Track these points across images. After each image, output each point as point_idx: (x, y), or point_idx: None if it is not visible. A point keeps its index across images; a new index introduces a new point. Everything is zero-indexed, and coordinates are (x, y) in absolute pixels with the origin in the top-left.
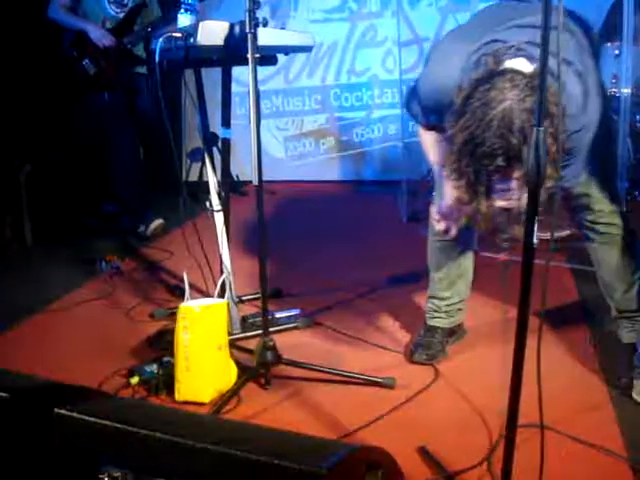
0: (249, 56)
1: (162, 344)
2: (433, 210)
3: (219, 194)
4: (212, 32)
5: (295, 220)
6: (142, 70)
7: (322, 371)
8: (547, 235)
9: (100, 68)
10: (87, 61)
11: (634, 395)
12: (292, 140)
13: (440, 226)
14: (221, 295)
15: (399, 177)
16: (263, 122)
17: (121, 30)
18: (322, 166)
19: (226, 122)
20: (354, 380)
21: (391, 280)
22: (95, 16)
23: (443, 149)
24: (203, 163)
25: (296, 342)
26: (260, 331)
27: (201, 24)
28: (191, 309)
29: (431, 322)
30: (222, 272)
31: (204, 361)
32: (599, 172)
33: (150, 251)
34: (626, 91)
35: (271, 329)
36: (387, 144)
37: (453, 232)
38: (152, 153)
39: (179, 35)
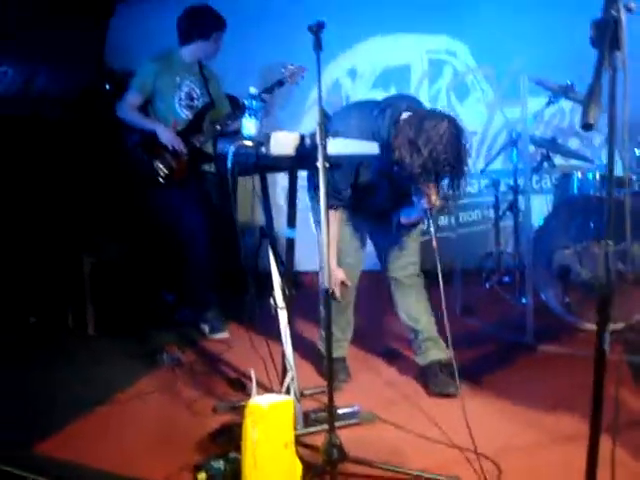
0: (319, 164)
1: (226, 439)
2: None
3: (283, 291)
4: (283, 142)
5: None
6: (210, 168)
7: (388, 469)
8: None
9: (171, 169)
10: (158, 163)
11: None
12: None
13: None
14: (286, 391)
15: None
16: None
17: (190, 130)
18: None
19: (291, 222)
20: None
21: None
22: (165, 118)
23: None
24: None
25: (358, 438)
26: (324, 427)
27: (273, 135)
28: (259, 406)
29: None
30: (284, 368)
31: (271, 459)
32: None
33: (209, 343)
34: None
35: (320, 427)
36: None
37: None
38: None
39: (250, 144)
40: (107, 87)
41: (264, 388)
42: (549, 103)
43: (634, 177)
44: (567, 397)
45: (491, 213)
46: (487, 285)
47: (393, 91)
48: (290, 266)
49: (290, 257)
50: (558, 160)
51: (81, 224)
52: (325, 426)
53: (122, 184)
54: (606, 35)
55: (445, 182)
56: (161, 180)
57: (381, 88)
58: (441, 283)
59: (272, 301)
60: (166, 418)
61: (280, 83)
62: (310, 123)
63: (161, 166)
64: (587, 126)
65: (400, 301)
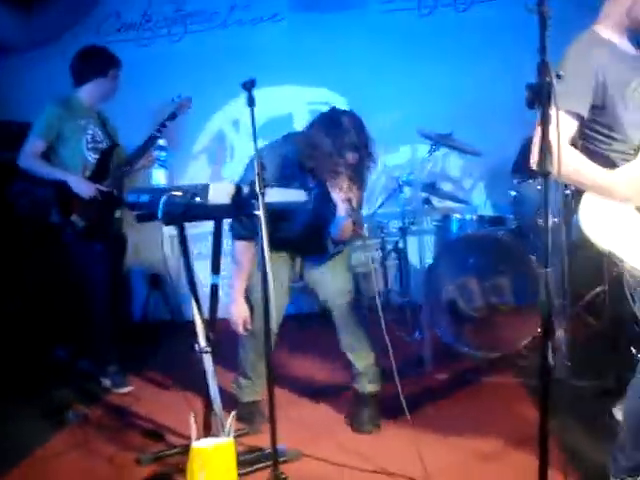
0: (259, 212)
1: None
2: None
3: (207, 336)
4: (220, 192)
5: None
6: (118, 215)
7: None
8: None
9: (88, 220)
10: (74, 216)
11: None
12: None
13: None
14: (206, 434)
15: None
16: (203, 262)
17: (98, 175)
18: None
19: (216, 269)
20: None
21: None
22: (74, 164)
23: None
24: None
25: (291, 474)
26: (261, 465)
27: (212, 186)
28: (204, 449)
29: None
30: (206, 412)
31: None
32: None
33: (114, 397)
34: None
35: (262, 465)
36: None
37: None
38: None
39: (180, 194)
40: None
41: (183, 436)
42: (431, 151)
43: (510, 216)
44: (475, 418)
45: (376, 254)
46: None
47: None
48: (213, 311)
49: (214, 302)
50: (436, 202)
51: None
52: (261, 465)
53: (12, 238)
54: (542, 96)
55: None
56: (78, 234)
57: (265, 138)
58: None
59: (196, 346)
60: (90, 475)
61: (173, 116)
62: (195, 171)
63: (78, 219)
64: (547, 174)
65: (339, 330)
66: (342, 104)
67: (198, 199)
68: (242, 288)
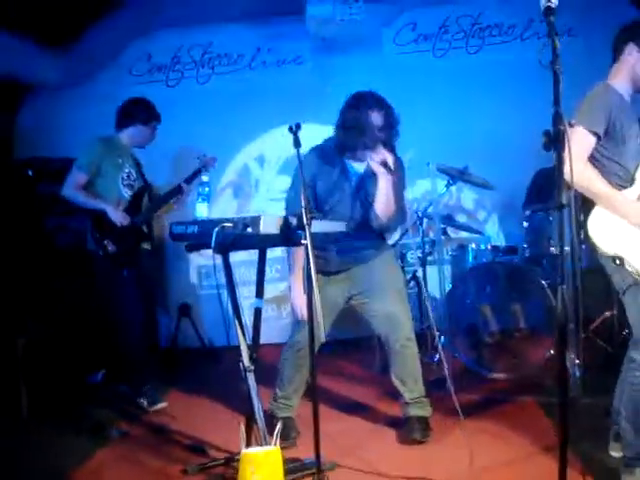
0: (306, 242)
1: None
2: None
3: (251, 355)
4: (270, 223)
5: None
6: (147, 246)
7: None
8: None
9: (119, 246)
10: (107, 241)
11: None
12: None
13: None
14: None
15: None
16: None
17: (132, 209)
18: (284, 329)
19: (259, 294)
20: None
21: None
22: (110, 197)
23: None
24: None
25: None
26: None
27: (263, 217)
28: (257, 454)
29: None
30: (251, 424)
31: None
32: None
33: (152, 416)
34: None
35: (301, 474)
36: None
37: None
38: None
39: (231, 225)
40: (29, 173)
41: (223, 450)
42: (448, 185)
43: (524, 246)
44: (497, 432)
45: None
46: None
47: None
48: (257, 332)
49: (257, 324)
50: (452, 234)
51: (11, 306)
52: (300, 474)
53: (49, 266)
54: (556, 140)
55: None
56: (109, 258)
57: (287, 174)
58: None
59: (241, 365)
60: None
61: (198, 172)
62: (222, 204)
63: (110, 244)
64: (562, 206)
65: (391, 360)
66: None
67: (249, 229)
68: (300, 281)
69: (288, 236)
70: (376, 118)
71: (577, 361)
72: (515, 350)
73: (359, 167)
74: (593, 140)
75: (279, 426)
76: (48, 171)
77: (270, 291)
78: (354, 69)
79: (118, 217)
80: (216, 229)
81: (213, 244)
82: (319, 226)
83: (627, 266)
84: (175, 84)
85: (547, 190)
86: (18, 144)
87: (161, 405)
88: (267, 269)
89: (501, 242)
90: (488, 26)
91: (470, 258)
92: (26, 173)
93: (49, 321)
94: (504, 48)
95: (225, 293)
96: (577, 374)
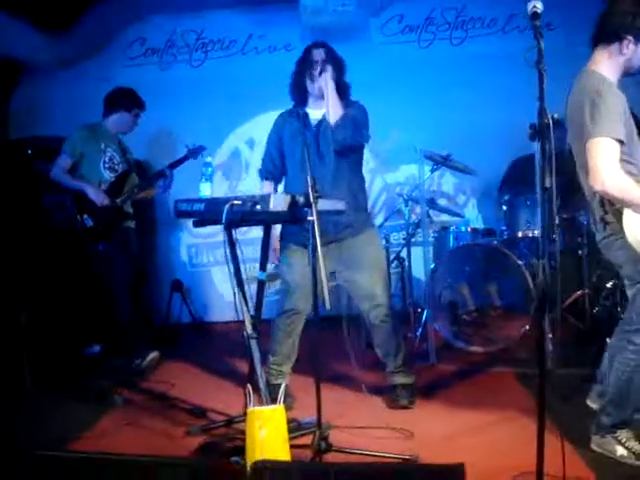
0: (312, 218)
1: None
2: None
3: (254, 324)
4: (279, 201)
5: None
6: (131, 224)
7: (369, 455)
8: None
9: (96, 222)
10: (85, 216)
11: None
12: (246, 283)
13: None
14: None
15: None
16: (219, 268)
17: (113, 191)
18: (273, 305)
19: (263, 267)
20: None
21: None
22: (92, 178)
23: None
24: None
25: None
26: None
27: (272, 196)
28: (264, 410)
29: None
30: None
31: (276, 454)
32: None
33: (151, 384)
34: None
35: (301, 432)
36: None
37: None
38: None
39: (240, 203)
40: (29, 152)
41: (222, 413)
42: (433, 170)
43: (502, 228)
44: (477, 396)
45: None
46: None
47: None
48: (260, 302)
49: (260, 295)
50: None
51: (14, 280)
52: (300, 432)
53: (47, 242)
54: (542, 133)
55: None
56: (89, 232)
57: None
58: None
59: (245, 332)
60: (147, 445)
61: (184, 159)
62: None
63: (89, 219)
64: (546, 189)
65: (373, 331)
66: None
67: (259, 207)
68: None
69: (295, 213)
70: (316, 54)
71: (550, 336)
72: (492, 326)
73: (318, 114)
74: (618, 147)
75: (282, 388)
76: (46, 149)
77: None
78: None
79: (98, 197)
80: (226, 206)
81: (224, 220)
82: (323, 204)
83: None
84: (168, 67)
85: (524, 177)
86: (13, 123)
87: (154, 354)
88: (252, 249)
89: (480, 225)
90: (472, 19)
91: (451, 240)
92: (25, 152)
93: (49, 295)
94: (486, 40)
95: (215, 270)
96: (551, 348)
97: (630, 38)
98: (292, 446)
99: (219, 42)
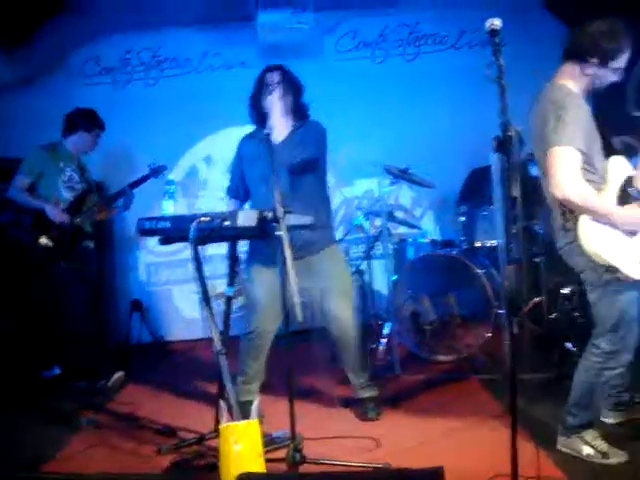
0: (281, 233)
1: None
2: None
3: (223, 340)
4: (247, 217)
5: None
6: (90, 244)
7: (341, 465)
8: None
9: (55, 241)
10: (44, 237)
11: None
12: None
13: None
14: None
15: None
16: (178, 287)
17: (72, 210)
18: (236, 322)
19: (231, 282)
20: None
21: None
22: (51, 198)
23: None
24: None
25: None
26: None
27: (240, 212)
28: (238, 425)
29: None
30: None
31: (253, 467)
32: None
33: (116, 405)
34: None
35: (275, 445)
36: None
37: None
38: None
39: (208, 219)
40: None
41: (191, 431)
42: (392, 184)
43: (462, 238)
44: (443, 405)
45: None
46: None
47: None
48: (228, 318)
49: (228, 311)
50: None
51: None
52: (275, 446)
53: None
54: (506, 145)
55: None
56: (48, 251)
57: None
58: None
59: (214, 347)
60: (118, 465)
61: (146, 178)
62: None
63: (47, 240)
64: (514, 198)
65: (339, 347)
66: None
67: (227, 223)
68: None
69: (264, 228)
70: (268, 78)
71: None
72: (454, 334)
73: (279, 135)
74: (580, 157)
75: (256, 403)
76: (3, 169)
77: (220, 287)
78: (297, 73)
79: (56, 215)
80: (194, 223)
81: (192, 236)
82: (291, 219)
83: (619, 274)
84: (123, 86)
85: (480, 188)
86: None
87: (118, 374)
88: (216, 266)
89: (437, 236)
90: (424, 35)
91: (411, 251)
92: None
93: (5, 315)
94: (438, 56)
95: (175, 289)
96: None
97: (594, 61)
98: (266, 460)
99: (174, 60)
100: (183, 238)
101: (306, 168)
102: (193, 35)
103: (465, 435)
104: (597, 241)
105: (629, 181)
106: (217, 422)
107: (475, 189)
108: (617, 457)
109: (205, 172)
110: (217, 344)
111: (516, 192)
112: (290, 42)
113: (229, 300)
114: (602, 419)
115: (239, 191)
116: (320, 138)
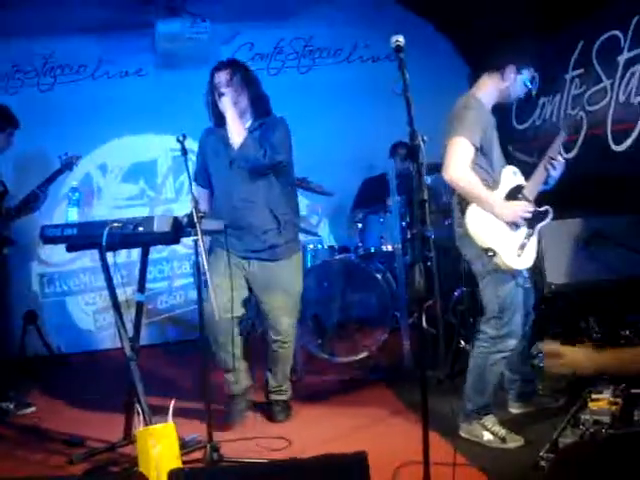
0: (198, 238)
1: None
2: None
3: (132, 347)
4: (164, 222)
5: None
6: (6, 251)
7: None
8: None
9: None
10: None
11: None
12: (101, 312)
13: None
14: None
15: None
16: (72, 298)
17: None
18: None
19: (141, 289)
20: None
21: None
22: None
23: None
24: None
25: None
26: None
27: (156, 217)
28: (155, 427)
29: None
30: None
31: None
32: None
33: (16, 420)
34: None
35: (190, 448)
36: (190, 308)
37: None
38: None
39: (119, 225)
40: None
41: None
42: None
43: (359, 244)
44: (347, 404)
45: None
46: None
47: (142, 184)
48: (138, 325)
49: (138, 317)
50: None
51: None
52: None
53: None
54: (415, 153)
55: None
56: None
57: (130, 182)
58: None
59: (126, 352)
60: (31, 473)
61: (60, 171)
62: (64, 211)
63: None
64: (424, 201)
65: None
66: None
67: (141, 229)
68: None
69: (179, 234)
70: (216, 77)
71: (407, 342)
72: (354, 337)
73: (236, 140)
74: (473, 150)
75: (172, 402)
76: None
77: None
78: (194, 84)
79: None
80: (106, 229)
81: (104, 243)
82: (206, 224)
83: (496, 258)
84: (15, 92)
85: (375, 195)
86: None
87: (31, 410)
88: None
89: (334, 243)
90: (318, 48)
91: (309, 258)
92: None
93: None
94: (332, 69)
95: (69, 300)
96: (408, 354)
97: (512, 68)
98: (183, 462)
99: (68, 67)
100: (93, 245)
101: (269, 170)
102: (87, 42)
103: (371, 430)
104: (480, 225)
105: (519, 189)
106: (128, 428)
107: (370, 196)
108: (514, 442)
109: (100, 180)
110: (127, 350)
111: (425, 195)
112: (188, 52)
113: (140, 306)
114: (509, 409)
115: (205, 179)
116: (281, 135)
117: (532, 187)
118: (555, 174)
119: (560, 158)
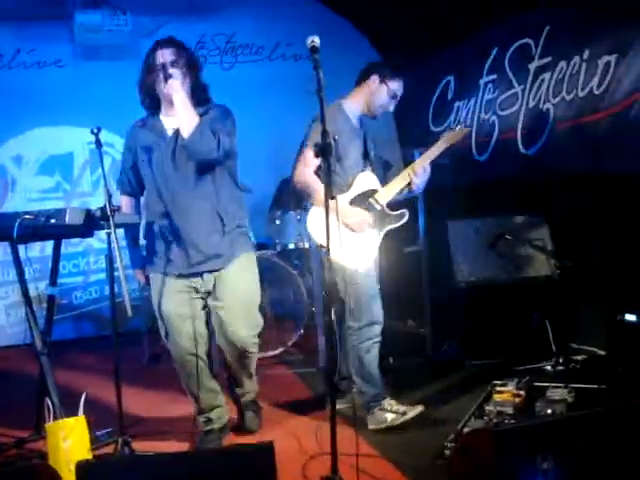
0: (110, 231)
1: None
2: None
3: (44, 340)
4: (75, 215)
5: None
6: None
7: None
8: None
9: None
10: None
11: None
12: (13, 307)
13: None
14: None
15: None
16: None
17: None
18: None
19: (53, 282)
20: None
21: None
22: None
23: None
24: None
25: None
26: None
27: (68, 209)
28: (66, 421)
29: None
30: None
31: None
32: None
33: None
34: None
35: (100, 443)
36: (105, 303)
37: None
38: None
39: (31, 217)
40: None
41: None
42: None
43: (277, 241)
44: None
45: None
46: None
47: (58, 177)
48: (50, 318)
49: (51, 310)
50: None
51: None
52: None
53: None
54: (327, 151)
55: None
56: None
57: (46, 174)
58: None
59: (34, 347)
60: None
61: None
62: None
63: None
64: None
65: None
66: (120, 144)
67: (54, 221)
68: None
69: (91, 227)
70: (159, 56)
71: (322, 337)
72: (270, 332)
73: (174, 122)
74: (312, 155)
75: (83, 396)
76: None
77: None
78: (112, 75)
79: None
80: (17, 221)
81: (15, 234)
82: (120, 218)
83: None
84: None
85: (293, 193)
86: None
87: None
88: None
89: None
90: (240, 45)
91: None
92: None
93: None
94: (254, 67)
95: None
96: (323, 349)
97: (375, 77)
98: (94, 457)
99: None
100: (2, 237)
101: (219, 162)
102: (3, 31)
103: (284, 423)
104: (315, 224)
105: (371, 193)
106: (38, 423)
107: (289, 194)
108: (414, 411)
109: (15, 172)
110: (38, 344)
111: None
112: (108, 43)
113: (52, 299)
114: None
115: (130, 188)
116: (229, 124)
117: (386, 193)
118: (418, 181)
119: (422, 169)
